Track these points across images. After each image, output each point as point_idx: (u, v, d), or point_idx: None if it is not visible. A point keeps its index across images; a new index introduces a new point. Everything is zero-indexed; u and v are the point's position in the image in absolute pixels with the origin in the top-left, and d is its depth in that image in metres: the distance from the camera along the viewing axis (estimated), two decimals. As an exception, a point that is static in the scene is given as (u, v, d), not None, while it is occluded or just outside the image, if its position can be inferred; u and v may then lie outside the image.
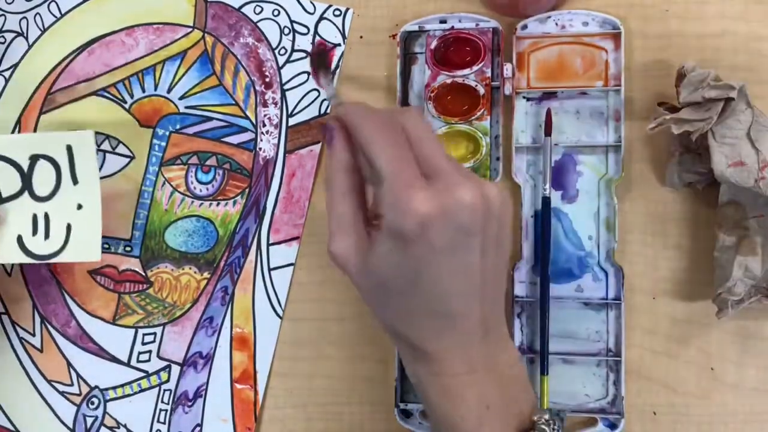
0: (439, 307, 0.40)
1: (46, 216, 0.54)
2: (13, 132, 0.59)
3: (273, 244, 0.56)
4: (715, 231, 0.50)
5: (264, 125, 0.57)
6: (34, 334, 0.59)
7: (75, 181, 0.53)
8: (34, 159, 0.53)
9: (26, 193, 0.54)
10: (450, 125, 0.53)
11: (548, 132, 0.52)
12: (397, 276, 0.39)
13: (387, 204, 0.38)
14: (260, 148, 0.57)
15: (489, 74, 0.53)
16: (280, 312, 0.56)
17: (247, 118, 0.57)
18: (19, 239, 0.55)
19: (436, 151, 0.39)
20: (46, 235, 0.54)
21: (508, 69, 0.53)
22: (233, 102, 0.57)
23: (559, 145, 0.53)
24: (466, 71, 0.53)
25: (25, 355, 0.58)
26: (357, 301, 0.55)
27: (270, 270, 0.56)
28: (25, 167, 0.53)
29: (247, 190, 0.57)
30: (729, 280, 0.48)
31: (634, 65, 0.53)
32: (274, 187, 0.57)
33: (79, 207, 0.54)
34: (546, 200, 0.52)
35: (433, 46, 0.54)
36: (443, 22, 0.54)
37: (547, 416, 0.41)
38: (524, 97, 0.54)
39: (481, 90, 0.53)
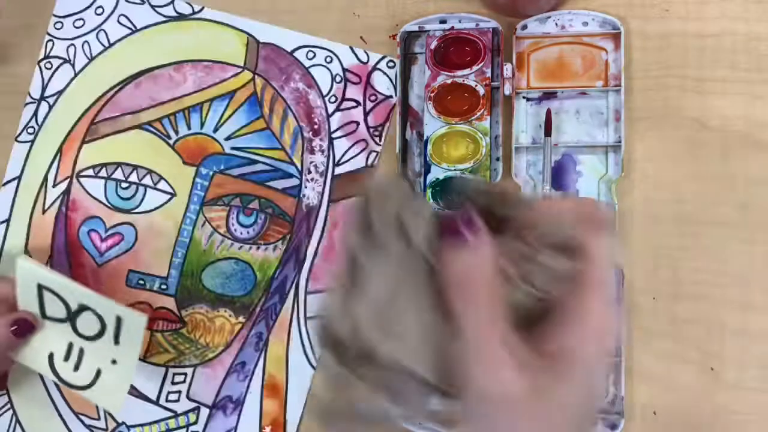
0: None
1: (81, 351, 0.54)
2: (53, 161, 0.59)
3: (311, 292, 0.56)
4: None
5: (309, 172, 0.56)
6: (63, 365, 0.58)
7: (116, 342, 0.52)
8: (82, 308, 0.52)
9: (68, 324, 0.53)
10: (450, 125, 0.52)
11: (548, 132, 0.52)
12: None
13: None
14: (304, 195, 0.56)
15: (489, 74, 0.52)
16: (314, 362, 0.56)
17: (292, 163, 0.57)
18: (50, 357, 0.54)
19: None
20: (76, 368, 0.54)
21: (507, 69, 0.52)
22: (280, 146, 0.57)
23: (559, 145, 0.53)
24: (466, 71, 0.52)
25: (53, 386, 0.58)
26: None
27: (306, 319, 0.56)
28: (73, 309, 0.52)
29: (288, 236, 0.56)
30: None
31: (633, 65, 0.53)
32: (315, 235, 0.56)
33: (114, 362, 0.53)
34: None
35: (433, 47, 0.53)
36: (443, 22, 0.54)
37: None
38: (524, 97, 0.54)
39: (481, 90, 0.52)
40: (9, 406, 0.58)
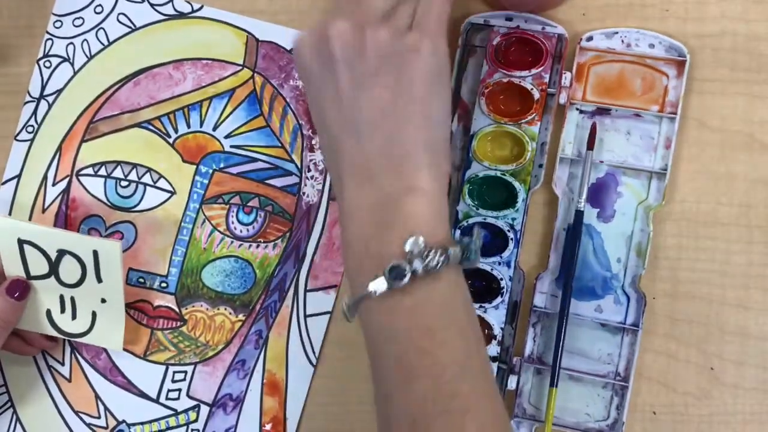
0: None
1: (73, 299, 0.55)
2: (52, 159, 0.59)
3: (311, 290, 0.56)
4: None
5: (309, 170, 0.56)
6: (63, 363, 0.58)
7: (99, 280, 0.53)
8: (61, 253, 0.53)
9: (53, 278, 0.54)
10: (498, 124, 0.52)
11: (591, 146, 0.52)
12: None
13: None
14: (304, 193, 0.56)
15: (546, 80, 0.52)
16: (314, 360, 0.56)
17: (292, 161, 0.57)
18: (48, 313, 0.55)
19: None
20: (73, 316, 0.55)
21: (566, 78, 0.52)
22: (279, 144, 0.57)
23: (604, 163, 0.53)
24: (524, 73, 0.52)
25: (53, 384, 0.58)
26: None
27: (306, 317, 0.56)
28: (53, 257, 0.53)
29: (288, 233, 0.56)
30: None
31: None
32: (315, 233, 0.56)
33: (103, 301, 0.54)
34: (579, 214, 0.51)
35: (495, 42, 0.53)
36: (509, 19, 0.53)
37: (418, 248, 0.39)
38: (577, 109, 0.54)
39: (536, 94, 0.52)
40: (9, 404, 0.58)
